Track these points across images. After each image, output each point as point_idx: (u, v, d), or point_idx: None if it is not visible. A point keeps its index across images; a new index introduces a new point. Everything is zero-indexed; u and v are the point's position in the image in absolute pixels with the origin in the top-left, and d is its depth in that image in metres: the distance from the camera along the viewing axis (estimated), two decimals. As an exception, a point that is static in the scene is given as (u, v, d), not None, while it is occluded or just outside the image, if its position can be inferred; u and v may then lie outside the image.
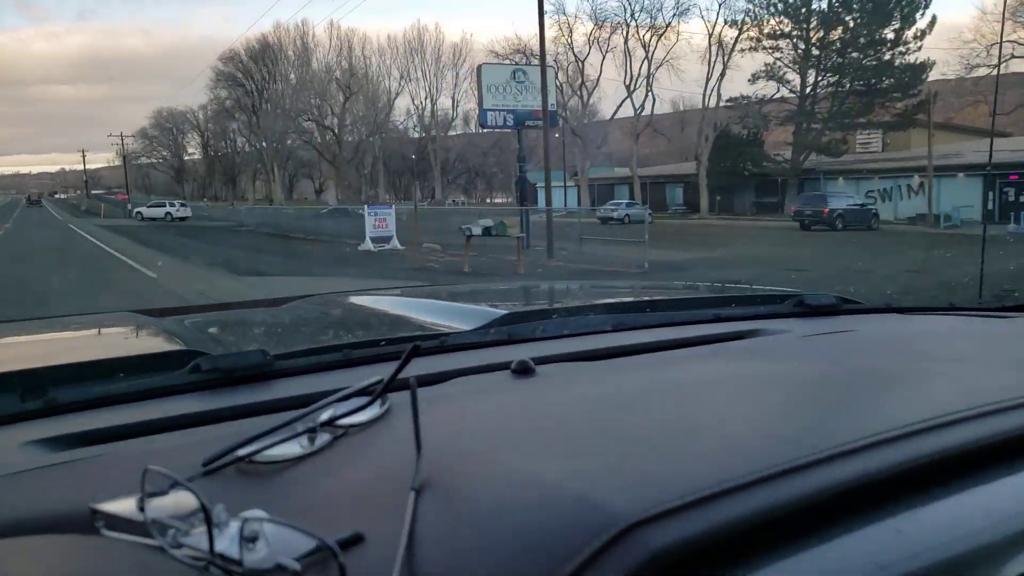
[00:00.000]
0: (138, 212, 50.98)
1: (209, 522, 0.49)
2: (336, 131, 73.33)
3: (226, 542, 0.49)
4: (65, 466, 0.73)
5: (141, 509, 0.54)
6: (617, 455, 0.64)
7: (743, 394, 0.84)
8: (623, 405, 0.81)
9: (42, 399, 0.91)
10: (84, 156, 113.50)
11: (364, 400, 0.75)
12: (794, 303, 1.52)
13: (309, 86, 74.31)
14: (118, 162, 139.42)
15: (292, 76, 77.64)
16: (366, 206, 23.86)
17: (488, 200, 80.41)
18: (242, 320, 1.83)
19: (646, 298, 1.94)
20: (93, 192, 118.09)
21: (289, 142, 78.40)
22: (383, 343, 1.19)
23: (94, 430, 0.83)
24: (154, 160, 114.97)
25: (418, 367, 0.77)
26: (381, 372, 0.77)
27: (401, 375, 0.72)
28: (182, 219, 48.88)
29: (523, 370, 0.96)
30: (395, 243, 22.01)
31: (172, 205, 52.88)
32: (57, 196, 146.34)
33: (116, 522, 0.55)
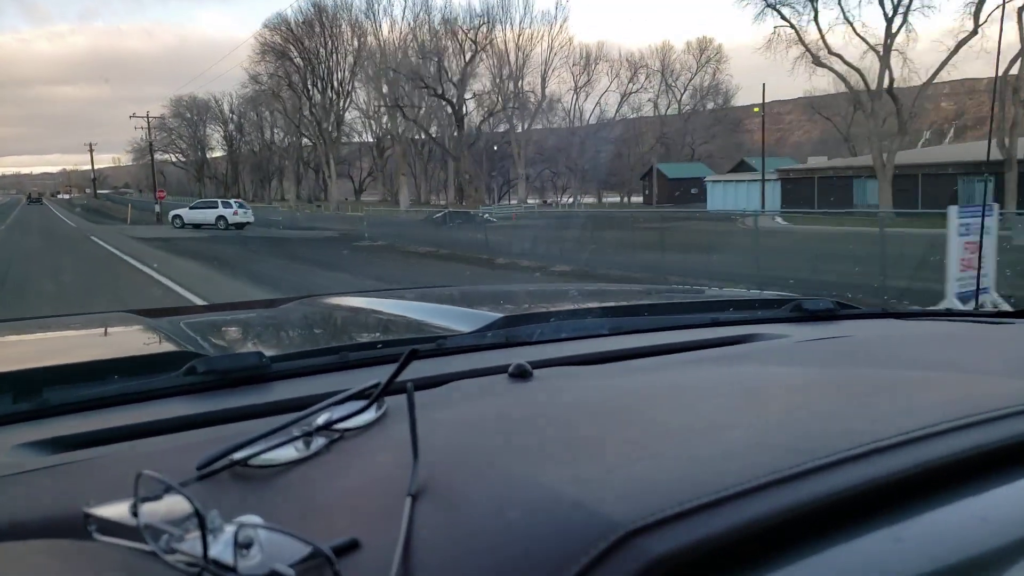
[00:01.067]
0: (175, 216, 36.29)
1: (203, 528, 0.49)
2: (456, 105, 54.75)
3: (220, 548, 0.49)
4: (58, 469, 0.72)
5: (135, 514, 0.54)
6: (615, 461, 0.63)
7: (741, 400, 0.84)
8: (621, 410, 0.81)
9: (35, 401, 0.91)
10: (92, 149, 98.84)
11: (360, 404, 0.74)
12: (791, 307, 1.52)
13: (401, 48, 55.62)
14: (127, 160, 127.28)
15: (360, 41, 59.77)
16: (955, 210, 8.22)
17: (573, 200, 63.43)
18: (238, 321, 1.82)
19: (644, 301, 1.94)
20: (100, 191, 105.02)
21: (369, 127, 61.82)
22: (380, 345, 1.19)
23: (88, 432, 0.83)
24: (172, 155, 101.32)
25: (415, 370, 0.77)
26: (378, 375, 0.77)
27: (398, 379, 0.72)
28: (240, 226, 34.80)
29: (520, 374, 0.95)
30: (995, 298, 8.51)
31: (227, 206, 36.44)
32: (60, 196, 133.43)
33: (109, 527, 0.55)
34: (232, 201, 37.97)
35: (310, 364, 1.08)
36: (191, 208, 37.15)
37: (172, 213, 37.30)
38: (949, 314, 1.61)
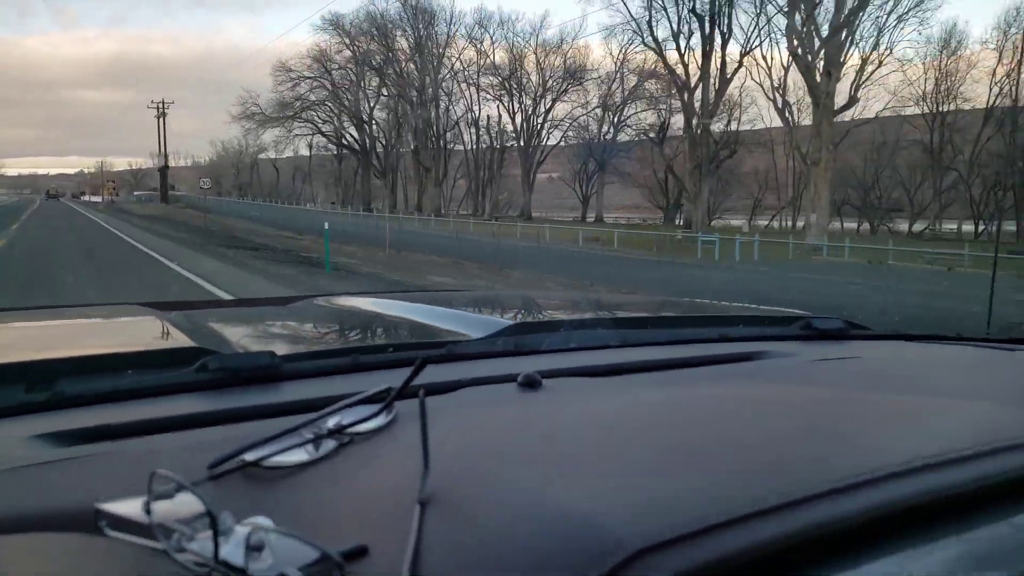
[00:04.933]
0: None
1: (215, 528, 0.49)
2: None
3: (231, 549, 0.49)
4: (70, 462, 0.73)
5: (147, 511, 0.54)
6: (624, 478, 0.63)
7: (749, 419, 0.84)
8: (630, 425, 0.81)
9: (48, 392, 0.91)
10: (163, 111, 62.30)
11: (372, 409, 0.75)
12: (801, 325, 1.51)
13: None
14: (153, 163, 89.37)
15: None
16: None
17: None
18: (250, 318, 1.83)
19: (654, 314, 1.94)
20: (137, 192, 78.06)
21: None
22: (391, 349, 1.19)
23: (100, 426, 0.83)
24: (325, 124, 60.05)
25: (425, 375, 0.78)
26: (388, 379, 0.77)
27: (410, 385, 0.73)
28: None
29: (530, 383, 0.96)
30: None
31: None
32: (87, 197, 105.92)
33: (121, 523, 0.56)
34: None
35: (321, 365, 1.09)
36: None
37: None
38: (960, 339, 1.60)
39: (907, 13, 34.35)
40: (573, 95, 54.94)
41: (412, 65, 54.69)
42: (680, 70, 40.15)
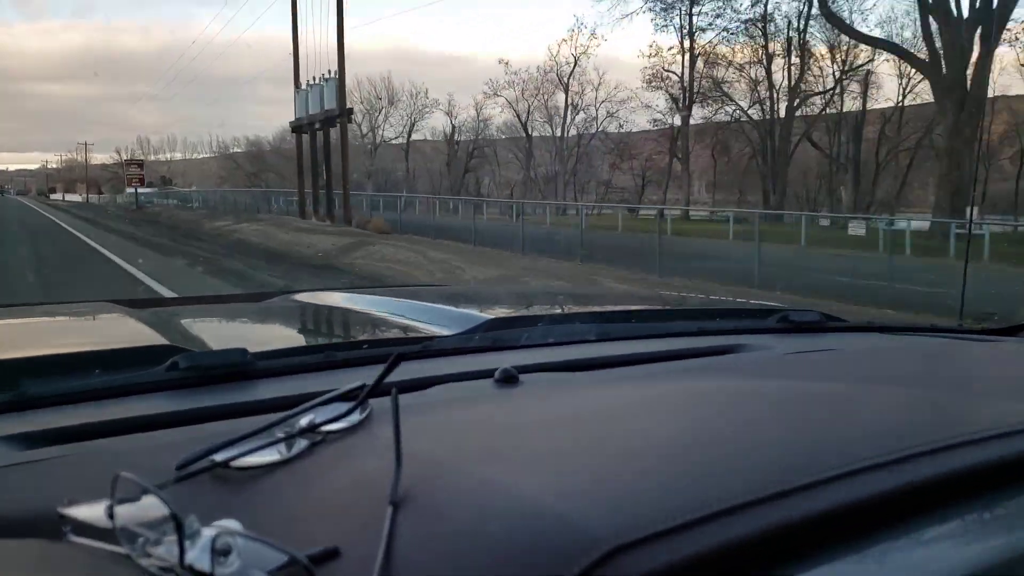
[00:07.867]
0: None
1: (180, 532, 0.48)
2: None
3: (197, 554, 0.48)
4: (33, 465, 0.71)
5: (110, 516, 0.53)
6: (600, 474, 0.63)
7: (726, 413, 0.84)
8: (607, 420, 0.80)
9: (11, 393, 0.89)
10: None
11: (344, 406, 0.74)
12: (778, 318, 1.52)
13: None
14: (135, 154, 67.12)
15: None
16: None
17: None
18: (222, 315, 1.81)
19: (632, 308, 1.94)
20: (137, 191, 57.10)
21: None
22: (366, 346, 1.18)
23: (65, 427, 0.81)
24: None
25: (400, 372, 0.76)
26: (363, 376, 0.76)
27: (384, 382, 0.71)
28: None
29: (507, 379, 0.95)
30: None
31: None
32: (57, 196, 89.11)
33: (84, 528, 0.54)
34: None
35: (295, 363, 1.08)
36: None
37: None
38: (934, 330, 1.62)
39: None
40: None
41: None
42: None
